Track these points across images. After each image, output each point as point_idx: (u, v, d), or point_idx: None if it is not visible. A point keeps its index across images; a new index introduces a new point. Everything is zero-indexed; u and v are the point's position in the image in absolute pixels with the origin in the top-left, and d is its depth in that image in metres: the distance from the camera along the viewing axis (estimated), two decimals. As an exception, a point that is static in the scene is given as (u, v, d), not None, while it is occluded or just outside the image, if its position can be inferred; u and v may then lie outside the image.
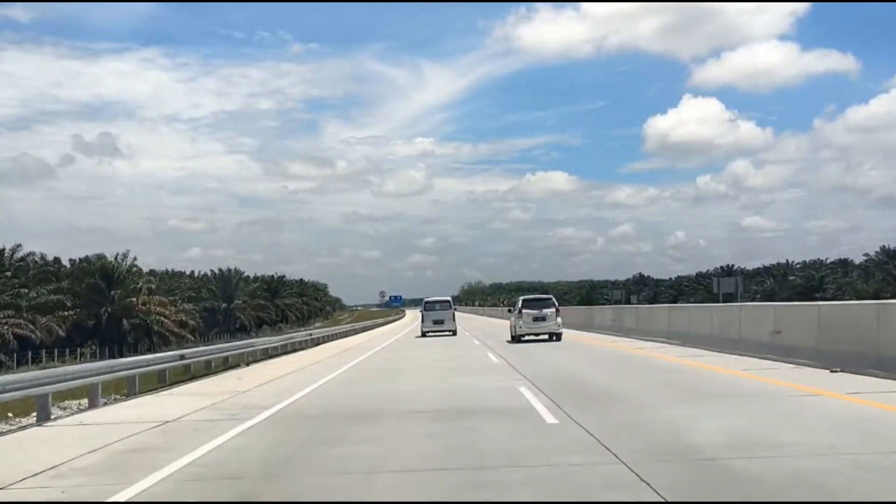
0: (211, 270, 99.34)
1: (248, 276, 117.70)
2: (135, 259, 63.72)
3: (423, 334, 34.35)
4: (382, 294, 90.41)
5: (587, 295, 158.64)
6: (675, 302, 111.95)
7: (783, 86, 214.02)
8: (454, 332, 34.14)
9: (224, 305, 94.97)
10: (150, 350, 57.86)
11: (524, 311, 26.28)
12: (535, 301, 27.10)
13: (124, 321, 63.40)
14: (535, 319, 25.92)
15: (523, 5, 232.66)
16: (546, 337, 26.18)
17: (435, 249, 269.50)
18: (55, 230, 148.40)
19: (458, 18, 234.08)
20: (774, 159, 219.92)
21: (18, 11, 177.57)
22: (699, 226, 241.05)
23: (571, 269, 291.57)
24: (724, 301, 51.98)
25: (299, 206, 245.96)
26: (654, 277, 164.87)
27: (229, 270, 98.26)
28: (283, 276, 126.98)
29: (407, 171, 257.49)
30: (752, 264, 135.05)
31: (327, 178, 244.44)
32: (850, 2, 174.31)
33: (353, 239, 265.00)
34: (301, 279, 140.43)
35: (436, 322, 34.31)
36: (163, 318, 61.61)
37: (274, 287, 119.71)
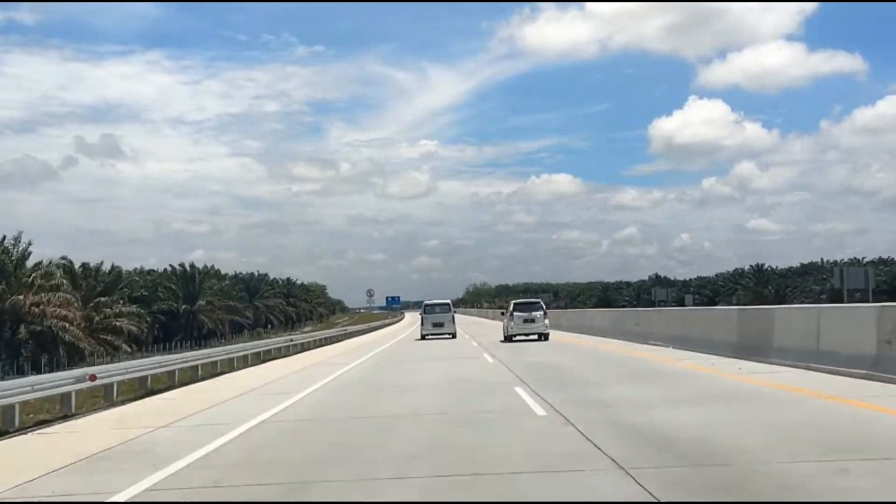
0: (171, 265, 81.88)
1: (224, 273, 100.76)
2: (29, 244, 46.40)
3: (423, 337, 33.19)
4: (370, 293, 72.96)
5: (603, 296, 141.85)
6: (713, 304, 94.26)
7: (790, 87, 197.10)
8: (454, 335, 32.96)
9: (185, 307, 77.56)
10: (58, 367, 40.80)
11: (515, 313, 27.44)
12: (526, 304, 28.70)
13: (22, 328, 46.37)
14: (525, 321, 26.96)
15: (527, 5, 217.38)
16: (535, 337, 26.92)
17: (439, 252, 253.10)
18: (59, 232, 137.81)
19: (463, 19, 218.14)
20: (780, 161, 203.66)
21: (23, 14, 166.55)
22: (704, 228, 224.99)
23: (576, 271, 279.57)
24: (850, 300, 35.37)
25: (303, 208, 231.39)
26: (670, 278, 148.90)
27: (193, 266, 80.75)
28: (266, 275, 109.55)
29: (411, 173, 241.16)
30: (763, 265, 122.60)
31: (331, 181, 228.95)
32: (859, 1, 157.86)
33: (357, 241, 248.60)
34: (288, 278, 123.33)
35: (435, 325, 33.50)
36: (66, 324, 44.18)
37: (254, 286, 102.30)
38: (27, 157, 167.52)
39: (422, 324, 34.06)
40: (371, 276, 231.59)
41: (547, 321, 26.88)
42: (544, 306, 27.95)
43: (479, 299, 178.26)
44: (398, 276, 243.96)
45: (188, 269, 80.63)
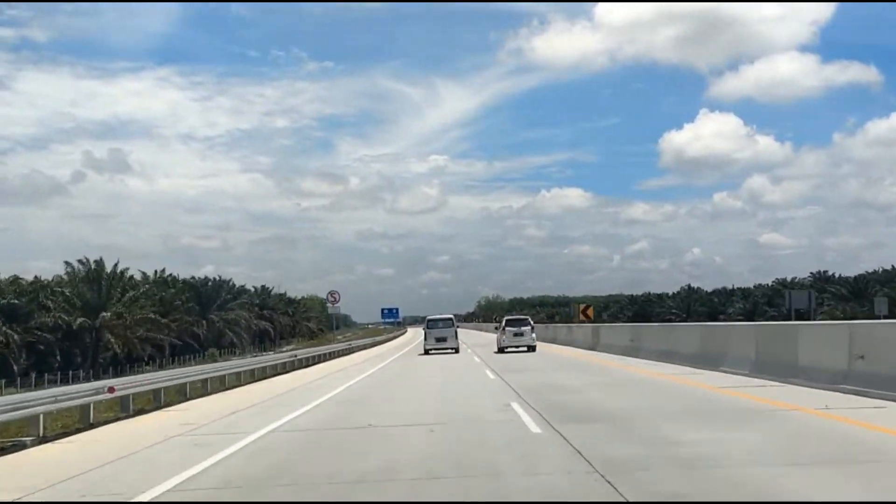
0: (65, 263, 56.92)
1: (176, 279, 76.08)
2: None
3: (426, 352, 32.81)
4: (334, 298, 48.35)
5: (642, 309, 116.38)
6: (805, 318, 67.97)
7: (803, 98, 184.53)
8: (456, 350, 32.90)
9: (82, 321, 52.53)
10: None
11: (507, 328, 30.79)
12: (516, 320, 31.93)
13: None
14: (515, 335, 30.12)
15: (535, 15, 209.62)
16: (525, 349, 29.69)
17: (449, 267, 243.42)
18: (67, 247, 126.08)
19: (472, 32, 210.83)
20: (793, 175, 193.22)
21: (36, 31, 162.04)
22: (715, 242, 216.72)
23: (587, 286, 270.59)
24: None
25: (313, 223, 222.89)
26: (703, 289, 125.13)
27: (99, 263, 55.78)
28: (228, 280, 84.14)
29: (421, 188, 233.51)
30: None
31: (341, 196, 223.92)
32: (874, 1, 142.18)
33: (367, 256, 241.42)
34: (263, 286, 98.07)
35: (438, 340, 33.36)
36: None
37: (207, 294, 77.08)
38: (35, 172, 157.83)
39: (425, 339, 34.31)
40: (381, 290, 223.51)
41: (534, 335, 30.33)
42: (531, 322, 31.61)
43: (493, 313, 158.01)
44: (408, 291, 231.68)
45: (93, 268, 55.59)
